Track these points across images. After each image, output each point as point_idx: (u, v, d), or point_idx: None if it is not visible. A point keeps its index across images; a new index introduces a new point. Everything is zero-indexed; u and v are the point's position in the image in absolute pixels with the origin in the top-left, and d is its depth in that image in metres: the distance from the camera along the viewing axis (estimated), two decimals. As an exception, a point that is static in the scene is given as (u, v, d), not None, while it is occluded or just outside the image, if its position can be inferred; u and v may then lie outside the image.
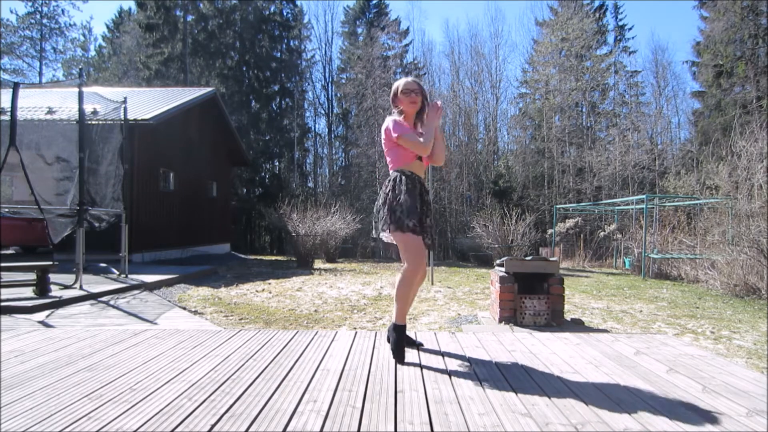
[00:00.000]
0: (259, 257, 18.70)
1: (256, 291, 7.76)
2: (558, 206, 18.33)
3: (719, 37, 22.82)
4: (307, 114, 32.80)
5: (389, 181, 2.89)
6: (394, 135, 2.85)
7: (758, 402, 2.18)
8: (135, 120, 10.84)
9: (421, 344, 3.09)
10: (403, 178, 2.84)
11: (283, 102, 30.75)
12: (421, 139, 2.84)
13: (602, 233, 16.91)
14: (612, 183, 23.85)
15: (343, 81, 31.27)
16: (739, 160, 11.83)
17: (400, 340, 2.81)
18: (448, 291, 8.08)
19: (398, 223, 2.75)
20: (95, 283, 7.29)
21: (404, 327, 2.86)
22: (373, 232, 2.99)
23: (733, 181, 12.19)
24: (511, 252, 13.30)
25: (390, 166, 2.97)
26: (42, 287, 6.11)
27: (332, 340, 3.23)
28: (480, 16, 64.41)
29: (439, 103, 2.99)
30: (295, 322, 5.32)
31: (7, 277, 6.47)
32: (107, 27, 37.12)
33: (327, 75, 32.92)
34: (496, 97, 28.92)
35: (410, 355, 2.90)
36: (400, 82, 3.00)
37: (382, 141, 2.97)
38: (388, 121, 2.91)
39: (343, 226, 14.59)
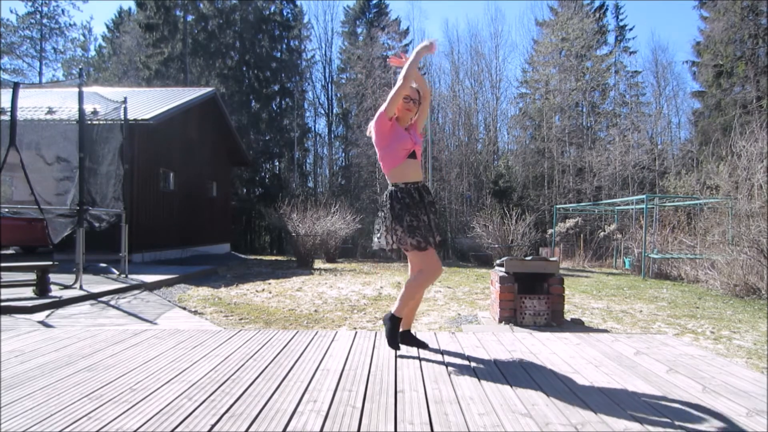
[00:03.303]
0: (259, 257, 18.70)
1: (256, 291, 7.76)
2: (558, 206, 18.32)
3: (719, 37, 22.82)
4: (307, 114, 32.83)
5: (388, 197, 2.88)
6: (379, 125, 2.87)
7: (758, 402, 2.18)
8: (135, 120, 10.83)
9: (426, 345, 3.06)
10: (399, 193, 2.84)
11: (283, 102, 30.74)
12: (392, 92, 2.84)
13: (602, 233, 16.91)
14: (612, 183, 23.85)
15: (343, 81, 31.27)
16: (739, 160, 11.83)
17: (394, 329, 2.90)
18: (448, 291, 8.08)
19: (416, 242, 2.78)
20: (95, 283, 7.29)
21: (400, 319, 2.92)
22: (375, 244, 3.00)
23: (733, 181, 12.18)
24: (511, 252, 13.29)
25: (384, 173, 2.97)
26: (42, 287, 6.10)
27: (332, 340, 3.23)
28: (480, 16, 64.42)
29: (428, 42, 2.88)
30: (295, 322, 5.32)
31: (7, 277, 6.46)
32: (107, 27, 37.13)
33: (327, 75, 32.95)
34: (496, 97, 28.95)
35: (410, 355, 2.90)
36: None
37: (374, 142, 2.95)
38: (372, 123, 2.93)
39: (343, 226, 14.58)
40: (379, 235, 2.94)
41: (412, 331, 3.13)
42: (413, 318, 3.14)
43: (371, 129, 2.95)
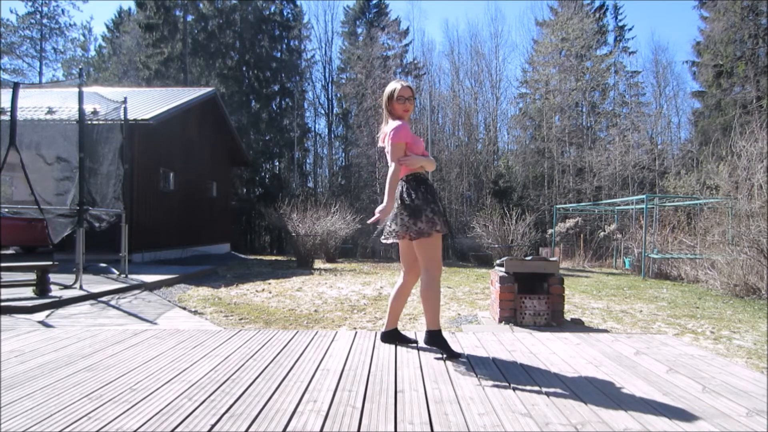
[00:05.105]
0: (259, 257, 18.69)
1: (256, 291, 7.76)
2: (558, 206, 18.32)
3: (719, 37, 22.82)
4: (307, 114, 32.82)
5: (413, 182, 2.87)
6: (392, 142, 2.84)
7: (758, 402, 2.18)
8: (135, 120, 10.82)
9: (411, 339, 3.18)
10: (417, 182, 2.87)
11: (283, 102, 30.72)
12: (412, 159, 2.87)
13: (602, 233, 16.91)
14: (612, 183, 23.85)
15: (343, 81, 31.25)
16: (739, 160, 11.82)
17: (442, 341, 2.91)
18: (448, 291, 8.07)
19: (430, 224, 2.79)
20: (95, 283, 7.28)
21: (440, 330, 2.92)
22: (388, 234, 2.92)
23: (733, 181, 12.17)
24: (511, 252, 13.29)
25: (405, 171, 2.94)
26: (42, 287, 6.10)
27: (332, 340, 3.23)
28: (480, 16, 64.52)
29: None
30: (295, 322, 5.32)
31: (7, 277, 6.46)
32: (107, 27, 37.07)
33: (327, 75, 32.94)
34: (496, 97, 28.96)
35: (410, 355, 2.90)
36: (395, 87, 2.94)
37: (388, 142, 2.88)
38: (395, 126, 2.87)
39: (343, 226, 14.57)
40: (395, 224, 2.84)
41: (410, 333, 3.24)
42: (398, 317, 3.21)
43: (387, 147, 2.91)
